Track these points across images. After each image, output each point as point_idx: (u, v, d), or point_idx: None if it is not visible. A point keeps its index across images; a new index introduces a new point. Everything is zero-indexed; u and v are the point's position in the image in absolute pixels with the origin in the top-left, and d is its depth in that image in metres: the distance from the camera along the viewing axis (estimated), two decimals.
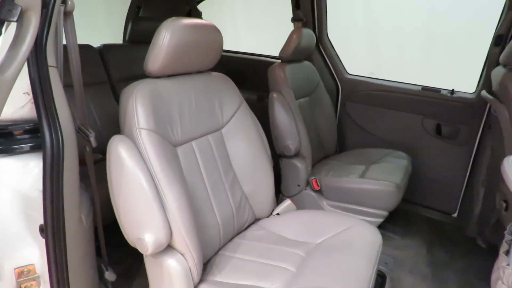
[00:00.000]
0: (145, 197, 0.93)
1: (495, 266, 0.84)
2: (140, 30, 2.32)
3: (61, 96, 0.84)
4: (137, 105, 0.99)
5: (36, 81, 0.75)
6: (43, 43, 0.79)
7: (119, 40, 2.53)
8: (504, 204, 1.44)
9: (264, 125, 1.53)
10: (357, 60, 2.68)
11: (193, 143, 1.21)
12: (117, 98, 2.16)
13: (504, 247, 0.84)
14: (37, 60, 0.76)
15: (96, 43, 2.19)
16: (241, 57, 2.70)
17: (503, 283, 0.75)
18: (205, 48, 1.18)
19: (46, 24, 0.79)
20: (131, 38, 2.34)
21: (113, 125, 1.93)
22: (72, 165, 0.86)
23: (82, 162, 1.09)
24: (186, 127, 1.17)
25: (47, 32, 0.80)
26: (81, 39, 2.08)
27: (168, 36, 1.03)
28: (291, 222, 1.38)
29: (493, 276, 0.82)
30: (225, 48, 1.31)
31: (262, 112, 1.77)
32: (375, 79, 2.32)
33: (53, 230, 0.79)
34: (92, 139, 1.01)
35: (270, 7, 3.58)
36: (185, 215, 0.99)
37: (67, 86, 0.98)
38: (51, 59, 0.82)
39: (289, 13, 2.23)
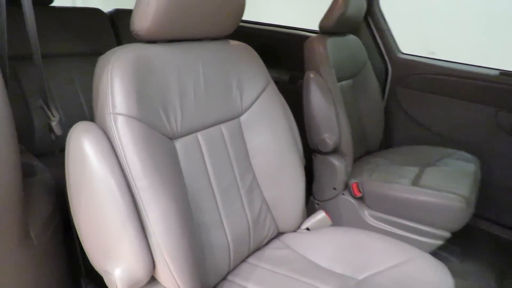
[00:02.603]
0: (115, 214, 0.64)
1: None
2: None
3: None
4: (113, 79, 0.68)
5: None
6: None
7: None
8: None
9: (297, 113, 1.20)
10: (409, 37, 2.23)
11: (199, 134, 0.89)
12: None
13: None
14: None
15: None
16: (272, 30, 2.32)
17: None
18: (220, 4, 0.85)
19: None
20: None
21: None
22: None
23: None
24: (189, 112, 0.86)
25: None
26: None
27: None
28: (325, 243, 1.05)
29: None
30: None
31: (294, 97, 1.44)
32: (436, 60, 1.89)
33: None
34: (54, 124, 0.72)
35: None
36: (176, 241, 0.70)
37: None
38: None
39: None
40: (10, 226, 0.60)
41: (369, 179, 1.49)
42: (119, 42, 1.88)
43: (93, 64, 1.77)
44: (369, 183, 1.47)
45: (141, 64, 0.74)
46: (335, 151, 1.50)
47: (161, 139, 0.77)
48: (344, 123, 1.49)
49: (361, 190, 1.46)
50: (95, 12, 1.78)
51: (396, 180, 1.45)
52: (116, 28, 1.88)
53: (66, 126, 1.57)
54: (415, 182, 1.42)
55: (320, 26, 1.54)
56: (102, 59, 0.72)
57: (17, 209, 0.62)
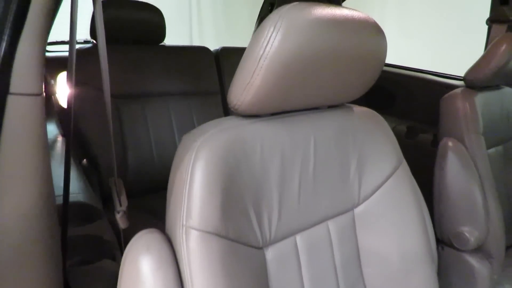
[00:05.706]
0: None
1: None
2: None
3: (30, 148, 0.41)
4: (194, 174, 0.49)
5: None
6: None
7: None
8: None
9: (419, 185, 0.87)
10: None
11: (298, 237, 0.65)
12: (226, 111, 1.79)
13: None
14: None
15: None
16: (389, 70, 1.98)
17: None
18: (353, 62, 0.61)
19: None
20: None
21: None
22: None
23: None
24: (290, 209, 0.63)
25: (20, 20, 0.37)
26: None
27: (278, 37, 0.50)
28: None
29: None
30: None
31: (412, 155, 1.10)
32: None
33: None
34: (119, 216, 0.57)
35: (433, 9, 2.75)
36: None
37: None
38: (25, 82, 0.39)
39: (458, 18, 1.48)
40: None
41: None
42: (221, 81, 1.81)
43: (192, 103, 1.72)
44: None
45: (234, 150, 0.54)
46: (477, 248, 1.10)
47: (248, 253, 0.55)
48: (494, 212, 1.08)
49: None
50: (203, 50, 1.75)
51: None
52: (220, 66, 1.82)
53: (159, 164, 1.50)
54: None
55: (468, 78, 1.17)
56: (186, 139, 0.54)
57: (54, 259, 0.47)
